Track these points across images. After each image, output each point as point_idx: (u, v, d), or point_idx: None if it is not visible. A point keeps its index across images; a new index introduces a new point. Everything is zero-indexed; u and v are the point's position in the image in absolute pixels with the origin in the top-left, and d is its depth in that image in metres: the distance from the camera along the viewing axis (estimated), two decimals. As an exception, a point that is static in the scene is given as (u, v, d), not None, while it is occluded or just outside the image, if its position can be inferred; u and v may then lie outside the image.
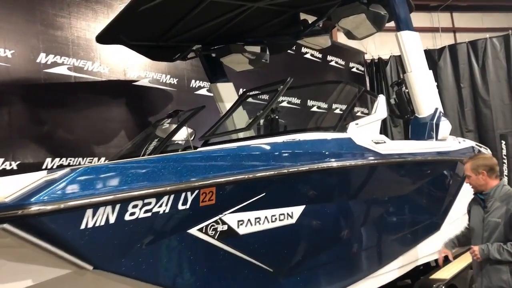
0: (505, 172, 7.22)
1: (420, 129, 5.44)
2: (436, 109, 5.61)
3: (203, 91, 7.81)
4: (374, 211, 4.39)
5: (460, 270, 5.55)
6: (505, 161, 7.27)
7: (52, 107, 5.78)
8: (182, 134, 5.11)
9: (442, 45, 12.85)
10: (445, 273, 5.48)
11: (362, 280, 4.15)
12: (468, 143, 6.60)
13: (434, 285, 5.07)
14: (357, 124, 4.22)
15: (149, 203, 2.63)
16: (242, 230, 3.14)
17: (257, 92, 4.71)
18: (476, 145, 6.96)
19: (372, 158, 4.16)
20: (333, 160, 3.73)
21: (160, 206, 2.68)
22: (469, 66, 11.99)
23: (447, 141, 5.79)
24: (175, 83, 7.45)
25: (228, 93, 6.68)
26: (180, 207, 2.77)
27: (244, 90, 5.10)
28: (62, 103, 5.90)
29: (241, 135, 4.50)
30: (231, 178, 3.01)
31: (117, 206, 2.50)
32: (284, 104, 9.15)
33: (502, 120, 11.57)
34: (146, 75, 7.04)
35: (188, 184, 2.78)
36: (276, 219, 3.33)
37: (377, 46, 12.90)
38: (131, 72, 6.84)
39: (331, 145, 3.84)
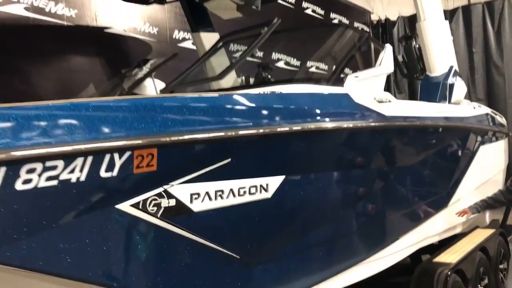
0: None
1: (431, 89, 4.59)
2: (451, 67, 4.74)
3: (188, 44, 6.89)
4: (372, 184, 3.59)
5: (468, 252, 4.80)
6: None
7: (4, 53, 4.91)
8: (151, 87, 4.28)
9: (455, 6, 11.76)
10: (450, 255, 4.73)
11: (357, 265, 3.40)
12: (483, 109, 5.76)
13: (438, 270, 4.33)
14: (357, 77, 3.37)
15: (54, 168, 1.83)
16: (198, 207, 2.35)
17: (237, 36, 3.84)
18: (492, 111, 6.11)
19: (374, 120, 3.34)
20: (323, 120, 2.91)
21: (72, 172, 1.88)
22: (483, 29, 10.93)
23: (461, 106, 4.95)
24: (155, 33, 6.53)
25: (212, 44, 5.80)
26: (104, 174, 1.97)
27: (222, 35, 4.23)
28: (17, 48, 5.03)
29: (214, 87, 3.66)
30: (181, 137, 2.19)
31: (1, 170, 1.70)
32: (281, 64, 8.25)
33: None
34: (120, 21, 6.11)
35: (115, 142, 1.97)
36: (245, 192, 2.54)
37: (385, 5, 11.83)
38: (103, 17, 5.93)
39: (322, 101, 3.01)
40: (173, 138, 2.16)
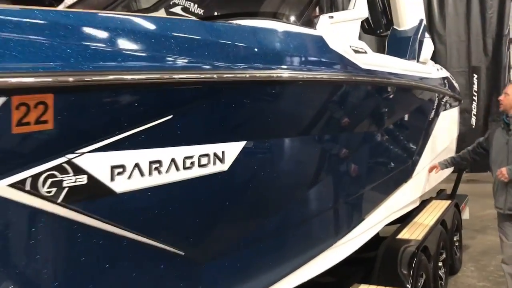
0: (474, 111, 6.13)
1: (400, 45, 3.99)
2: (421, 20, 4.17)
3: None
4: (342, 153, 2.93)
5: (431, 227, 4.37)
6: (475, 98, 6.16)
7: None
8: None
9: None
10: (413, 231, 4.28)
11: (325, 251, 2.77)
12: (444, 72, 5.31)
13: (403, 248, 3.85)
14: (332, 17, 2.65)
15: None
16: (122, 186, 1.55)
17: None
18: (450, 76, 5.70)
19: (350, 72, 2.66)
20: (296, 67, 2.19)
21: None
22: (427, -4, 10.64)
23: (427, 66, 4.43)
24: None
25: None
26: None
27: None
28: None
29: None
30: (94, 77, 1.38)
31: None
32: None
33: (456, 58, 10.51)
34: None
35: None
36: (192, 164, 1.77)
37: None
38: None
39: (294, 42, 2.27)
40: (81, 78, 1.34)
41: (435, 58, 10.43)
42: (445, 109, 5.40)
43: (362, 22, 4.66)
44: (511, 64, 11.11)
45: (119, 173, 1.54)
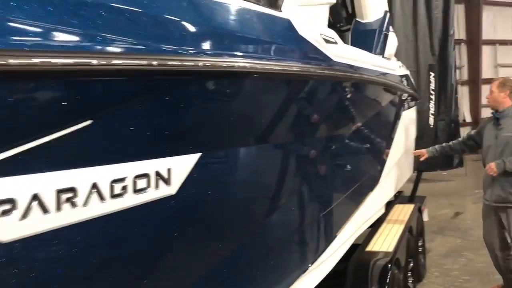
0: (431, 110, 5.90)
1: (366, 38, 3.59)
2: (386, 12, 3.81)
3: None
4: (312, 162, 2.46)
5: (400, 236, 4.02)
6: (433, 96, 5.93)
7: None
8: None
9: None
10: (383, 241, 3.91)
11: (296, 282, 2.28)
12: (405, 69, 5.01)
13: (374, 262, 3.45)
14: (300, -2, 2.18)
15: None
16: (11, 232, 0.99)
17: None
18: (409, 74, 5.43)
19: (321, 65, 2.20)
20: (258, 54, 1.69)
21: None
22: (375, -5, 10.50)
23: (392, 62, 4.08)
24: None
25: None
26: None
27: None
28: None
29: None
30: None
31: None
32: None
33: (405, 58, 10.30)
34: None
35: None
36: (125, 189, 1.22)
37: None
38: None
39: (256, 23, 1.77)
40: None
41: (384, 58, 10.42)
42: (405, 109, 5.11)
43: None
44: (457, 63, 11.23)
45: (4, 212, 0.98)
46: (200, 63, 1.34)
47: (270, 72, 1.72)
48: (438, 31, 10.42)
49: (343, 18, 4.08)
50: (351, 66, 2.62)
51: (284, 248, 2.22)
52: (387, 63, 3.71)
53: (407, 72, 5.08)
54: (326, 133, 2.60)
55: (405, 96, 4.61)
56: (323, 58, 2.25)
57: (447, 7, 10.37)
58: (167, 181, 1.34)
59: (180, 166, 1.39)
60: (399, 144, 4.61)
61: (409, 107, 5.57)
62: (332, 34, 2.47)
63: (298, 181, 2.27)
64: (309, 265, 2.43)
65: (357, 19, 3.75)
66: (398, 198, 5.96)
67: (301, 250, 2.44)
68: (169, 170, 1.35)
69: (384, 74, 3.45)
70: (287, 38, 1.99)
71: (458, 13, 13.13)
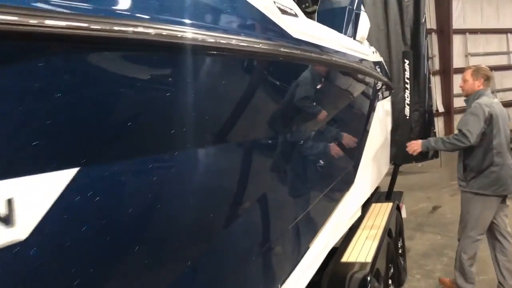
0: (407, 100, 5.47)
1: (334, 18, 3.08)
2: (357, -12, 3.31)
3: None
4: (271, 164, 1.94)
5: (379, 243, 3.55)
6: (408, 86, 5.50)
7: None
8: None
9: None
10: (358, 249, 3.44)
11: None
12: (378, 55, 4.54)
13: (351, 275, 2.98)
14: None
15: None
16: None
17: None
18: (383, 61, 4.97)
19: (275, 40, 1.68)
20: (194, 23, 1.16)
21: None
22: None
23: (365, 46, 3.59)
24: None
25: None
26: None
27: None
28: None
29: None
30: None
31: None
32: None
33: (376, 47, 9.94)
34: None
35: None
36: None
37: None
38: None
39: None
40: None
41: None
42: (379, 99, 4.65)
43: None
44: (429, 53, 10.91)
45: None
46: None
47: (198, 45, 1.18)
48: (409, 20, 10.08)
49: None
50: (316, 46, 2.11)
51: (245, 270, 1.70)
52: (359, 47, 3.22)
53: (381, 59, 4.61)
54: (285, 129, 2.08)
55: (379, 85, 4.15)
56: (278, 32, 1.72)
57: (418, -6, 10.02)
58: (6, 220, 0.80)
59: (35, 193, 0.84)
60: (374, 138, 4.15)
61: (383, 98, 5.12)
62: (291, 5, 1.95)
63: (251, 191, 1.74)
64: (279, 285, 1.92)
65: (325, -4, 3.24)
66: (375, 195, 5.53)
67: (266, 269, 1.93)
68: (9, 202, 0.80)
69: (357, 59, 2.96)
70: (231, 4, 1.46)
71: (429, 2, 12.82)
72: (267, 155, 1.90)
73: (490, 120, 3.73)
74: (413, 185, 9.32)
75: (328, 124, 2.70)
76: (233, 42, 1.35)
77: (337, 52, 2.43)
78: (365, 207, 4.51)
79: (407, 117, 5.48)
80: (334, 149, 2.97)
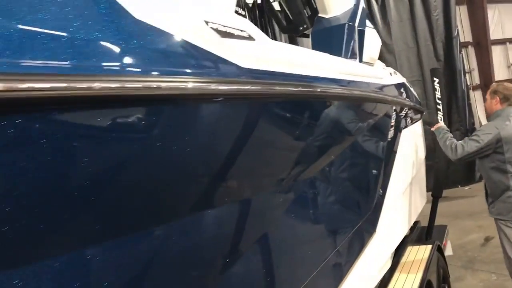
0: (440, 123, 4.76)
1: (331, 38, 2.54)
2: (358, 2, 2.75)
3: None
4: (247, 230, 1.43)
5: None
6: (440, 106, 4.82)
7: None
8: None
9: (335, -18, 10.27)
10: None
11: None
12: (399, 77, 3.93)
13: None
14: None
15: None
16: None
17: None
18: (407, 82, 4.34)
19: (208, 75, 1.17)
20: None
21: None
22: (367, 4, 9.52)
23: (376, 68, 3.02)
24: None
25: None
26: None
27: None
28: None
29: None
30: None
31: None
32: None
33: (407, 66, 9.37)
34: None
35: None
36: None
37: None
38: None
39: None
40: None
41: (384, 69, 9.36)
42: (406, 125, 4.01)
43: (278, 18, 3.27)
44: (465, 67, 10.09)
45: None
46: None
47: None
48: (440, 34, 9.38)
49: (306, 19, 3.06)
50: (290, 76, 1.58)
51: None
52: (366, 69, 2.65)
53: (403, 80, 3.99)
54: (279, 177, 1.58)
55: (401, 109, 3.53)
56: (214, 63, 1.21)
57: (447, 7, 9.35)
58: None
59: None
60: (403, 172, 3.51)
61: (412, 122, 4.46)
62: (242, 24, 1.43)
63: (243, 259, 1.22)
64: None
65: (320, 15, 2.70)
66: (413, 233, 4.80)
67: None
68: None
69: (363, 84, 2.39)
70: (122, 25, 0.98)
71: (461, 15, 12.03)
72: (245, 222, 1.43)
73: (499, 143, 3.48)
74: (460, 212, 8.38)
75: (326, 171, 2.14)
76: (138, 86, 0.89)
77: (327, 79, 1.88)
78: (400, 250, 3.82)
79: (443, 142, 4.76)
80: (344, 194, 2.38)
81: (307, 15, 3.00)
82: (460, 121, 9.19)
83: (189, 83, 1.08)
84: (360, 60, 2.66)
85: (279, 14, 3.25)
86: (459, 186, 9.48)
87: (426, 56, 9.34)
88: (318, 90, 1.74)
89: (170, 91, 1.02)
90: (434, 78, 4.87)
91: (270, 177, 1.61)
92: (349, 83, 2.23)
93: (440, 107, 4.85)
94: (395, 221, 3.31)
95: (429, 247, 3.96)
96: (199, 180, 1.22)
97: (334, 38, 2.50)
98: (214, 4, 1.39)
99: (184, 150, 1.10)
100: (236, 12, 2.28)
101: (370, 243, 2.72)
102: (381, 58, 9.71)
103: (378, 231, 2.84)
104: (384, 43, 9.41)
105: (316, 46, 2.57)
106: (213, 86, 1.15)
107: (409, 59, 9.38)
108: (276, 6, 3.40)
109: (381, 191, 2.96)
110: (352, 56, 2.53)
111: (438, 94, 4.86)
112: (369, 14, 2.70)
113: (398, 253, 3.80)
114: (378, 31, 9.46)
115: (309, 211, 2.05)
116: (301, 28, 3.06)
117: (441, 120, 4.84)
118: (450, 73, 9.26)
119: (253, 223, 1.56)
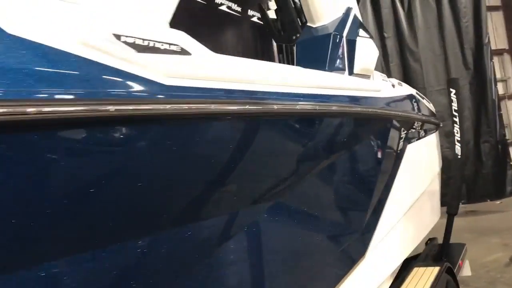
0: (457, 136, 4.51)
1: (317, 50, 2.37)
2: (349, 10, 2.58)
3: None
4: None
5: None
6: (456, 119, 4.55)
7: None
8: None
9: (361, -12, 10.00)
10: None
11: None
12: (406, 89, 3.69)
13: None
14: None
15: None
16: None
17: None
18: (417, 93, 4.09)
19: (117, 96, 1.06)
20: None
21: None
22: (393, 11, 9.22)
23: (372, 80, 2.83)
24: None
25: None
26: None
27: None
28: None
29: None
30: None
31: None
32: None
33: (434, 74, 8.99)
34: None
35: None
36: None
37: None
38: None
39: None
40: None
41: (410, 78, 9.00)
42: (414, 140, 3.76)
43: (270, 27, 3.13)
44: (497, 76, 9.59)
45: None
46: None
47: None
48: (469, 42, 8.96)
49: (299, 27, 2.91)
50: (234, 92, 1.44)
51: None
52: (357, 83, 2.47)
53: (411, 92, 3.76)
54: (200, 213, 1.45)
55: (406, 123, 3.31)
56: (123, 81, 1.10)
57: (478, 13, 8.92)
58: None
59: None
60: (403, 192, 3.28)
61: (425, 135, 4.21)
62: (174, 38, 1.31)
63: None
64: None
65: (308, 24, 2.55)
66: (424, 252, 4.53)
67: None
68: None
69: (344, 98, 2.21)
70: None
71: (495, 21, 11.47)
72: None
73: None
74: (487, 229, 7.92)
75: (299, 195, 1.98)
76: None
77: (293, 95, 1.73)
78: (404, 272, 3.59)
79: (459, 156, 4.48)
80: (323, 220, 2.21)
81: (300, 23, 2.85)
82: (490, 132, 8.73)
83: (79, 105, 0.97)
84: (351, 73, 2.48)
85: (272, 24, 3.11)
86: (488, 200, 9.00)
87: (454, 64, 8.94)
88: (275, 107, 1.59)
89: (48, 115, 0.91)
90: (451, 89, 4.59)
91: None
92: (328, 98, 2.07)
93: (456, 119, 4.56)
94: (393, 242, 3.09)
95: (436, 269, 3.69)
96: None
97: (319, 49, 2.34)
98: (139, 17, 1.27)
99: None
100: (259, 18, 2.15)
101: (358, 267, 2.53)
102: (406, 66, 9.38)
103: (368, 254, 2.64)
104: (410, 51, 9.09)
105: (300, 58, 2.41)
106: (114, 107, 1.04)
107: (436, 67, 9.00)
108: (272, 14, 3.26)
109: (374, 210, 2.76)
110: (338, 68, 2.35)
111: (454, 105, 4.57)
112: (360, 20, 2.52)
113: (402, 274, 3.56)
114: (403, 39, 9.15)
115: (284, 236, 1.91)
116: (294, 38, 2.91)
117: (457, 133, 4.55)
118: (479, 82, 8.83)
119: (222, 245, 1.51)
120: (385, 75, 3.14)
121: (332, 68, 2.33)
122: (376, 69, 9.03)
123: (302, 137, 1.87)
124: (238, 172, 1.51)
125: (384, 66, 9.11)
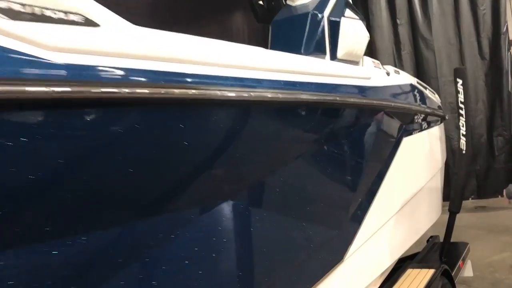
0: (462, 130, 4.18)
1: (293, 30, 2.10)
2: (332, -15, 2.28)
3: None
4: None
5: None
6: (462, 111, 4.21)
7: None
8: None
9: (374, -27, 9.53)
10: None
11: None
12: (404, 77, 3.38)
13: None
14: None
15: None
16: None
17: None
18: (418, 82, 3.77)
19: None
20: None
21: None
22: (408, -4, 8.77)
23: (361, 66, 2.54)
24: None
25: None
26: None
27: None
28: None
29: None
30: None
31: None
32: None
33: (448, 64, 8.54)
34: None
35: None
36: None
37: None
38: None
39: None
40: None
41: (422, 67, 8.59)
42: (415, 132, 3.48)
43: (254, 8, 2.86)
44: (514, 67, 9.09)
45: None
46: None
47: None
48: (487, 30, 8.49)
49: (284, 6, 2.63)
50: (158, 74, 1.20)
51: None
52: (340, 68, 2.19)
53: (411, 81, 3.45)
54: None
55: (401, 115, 3.02)
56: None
57: (497, 0, 8.42)
58: None
59: None
60: (395, 190, 3.01)
61: (428, 127, 3.92)
62: (76, 6, 1.06)
63: None
64: None
65: (288, 3, 2.27)
66: (423, 251, 4.27)
67: None
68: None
69: (327, 86, 1.94)
70: None
71: (513, 9, 10.91)
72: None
73: None
74: (496, 226, 7.56)
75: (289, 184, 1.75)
76: None
77: (243, 79, 1.47)
78: (395, 275, 3.33)
79: (463, 151, 4.16)
80: (294, 223, 1.97)
81: (284, 2, 2.58)
82: (504, 125, 8.30)
83: None
84: (333, 57, 2.20)
85: (255, 3, 2.83)
86: (500, 196, 8.63)
87: (470, 54, 8.49)
88: (218, 93, 1.34)
89: None
90: (458, 79, 4.25)
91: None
92: (299, 84, 1.80)
93: (462, 112, 4.23)
94: (381, 244, 2.83)
95: (431, 272, 3.42)
96: None
97: (295, 30, 2.06)
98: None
99: None
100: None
101: (336, 270, 2.28)
102: (419, 55, 8.95)
103: (348, 257, 2.39)
104: (423, 39, 8.66)
105: (273, 40, 2.14)
106: None
107: (450, 57, 8.56)
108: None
109: (358, 209, 2.50)
110: (317, 52, 2.08)
111: (461, 97, 4.24)
112: (353, 3, 2.21)
113: (394, 276, 3.31)
114: (417, 26, 8.71)
115: (253, 235, 1.69)
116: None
117: (462, 126, 4.23)
118: (495, 73, 8.38)
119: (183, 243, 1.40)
120: (379, 62, 2.84)
121: (309, 52, 2.06)
122: (387, 57, 8.65)
123: (262, 128, 1.62)
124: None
125: (395, 54, 8.72)
